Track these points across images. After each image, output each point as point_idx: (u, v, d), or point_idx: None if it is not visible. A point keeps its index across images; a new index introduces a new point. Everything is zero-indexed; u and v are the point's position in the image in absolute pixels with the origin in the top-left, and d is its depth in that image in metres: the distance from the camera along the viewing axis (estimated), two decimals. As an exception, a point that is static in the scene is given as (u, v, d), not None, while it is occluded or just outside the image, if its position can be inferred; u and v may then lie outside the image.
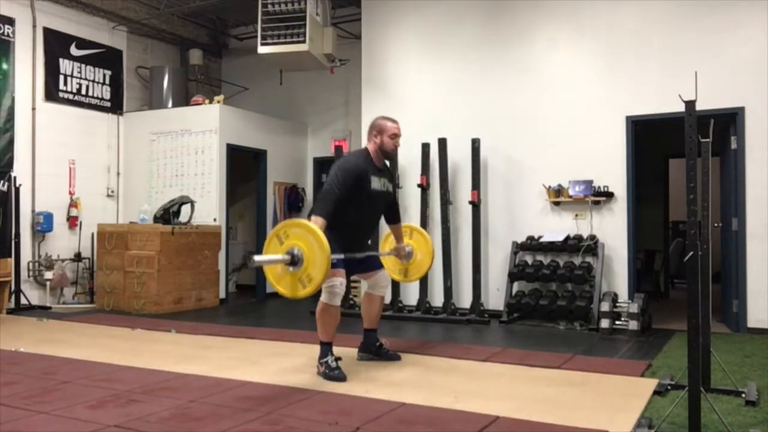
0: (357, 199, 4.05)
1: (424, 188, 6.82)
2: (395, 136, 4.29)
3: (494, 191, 6.85)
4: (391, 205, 4.48)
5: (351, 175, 4.03)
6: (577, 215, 6.48)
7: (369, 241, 4.63)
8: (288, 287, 3.54)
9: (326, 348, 3.98)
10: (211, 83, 9.88)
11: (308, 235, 3.46)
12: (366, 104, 7.61)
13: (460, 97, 7.09)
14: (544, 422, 3.02)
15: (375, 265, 4.42)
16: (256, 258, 3.43)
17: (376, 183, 4.17)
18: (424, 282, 6.70)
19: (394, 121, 4.34)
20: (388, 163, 4.60)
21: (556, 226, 6.54)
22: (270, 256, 3.54)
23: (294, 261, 3.48)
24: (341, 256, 3.97)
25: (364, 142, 7.66)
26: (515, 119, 6.79)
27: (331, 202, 3.91)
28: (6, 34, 7.42)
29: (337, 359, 3.97)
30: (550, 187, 6.52)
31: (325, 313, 4.00)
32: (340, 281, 3.97)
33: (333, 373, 3.88)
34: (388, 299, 6.91)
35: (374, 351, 4.47)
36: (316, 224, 3.57)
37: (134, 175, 8.69)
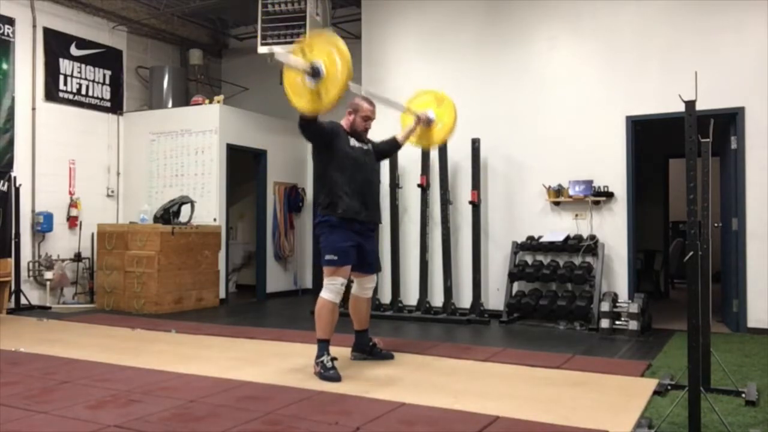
0: (338, 157, 4.10)
1: (424, 188, 6.81)
2: (368, 119, 4.30)
3: (494, 191, 6.85)
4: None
5: (326, 124, 4.11)
6: (577, 215, 6.48)
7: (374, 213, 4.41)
8: (308, 101, 3.63)
9: (323, 346, 3.98)
10: (211, 83, 9.87)
11: (330, 47, 3.51)
12: (366, 104, 7.62)
13: (460, 97, 6.98)
14: (544, 422, 3.02)
15: (372, 268, 4.42)
16: (277, 48, 3.46)
17: (354, 143, 4.22)
18: (424, 282, 6.71)
19: (371, 104, 4.34)
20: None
21: (556, 226, 6.54)
22: (291, 56, 3.56)
23: (315, 73, 3.47)
24: (352, 246, 4.07)
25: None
26: (515, 119, 6.79)
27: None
28: (6, 34, 7.42)
29: (333, 359, 3.97)
30: (550, 187, 6.52)
31: (323, 309, 4.03)
32: (341, 281, 4.04)
33: (328, 373, 3.87)
34: (387, 299, 6.95)
35: (368, 351, 4.48)
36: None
37: (134, 175, 8.69)
